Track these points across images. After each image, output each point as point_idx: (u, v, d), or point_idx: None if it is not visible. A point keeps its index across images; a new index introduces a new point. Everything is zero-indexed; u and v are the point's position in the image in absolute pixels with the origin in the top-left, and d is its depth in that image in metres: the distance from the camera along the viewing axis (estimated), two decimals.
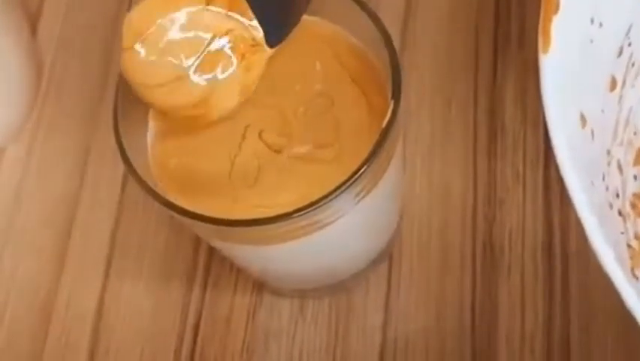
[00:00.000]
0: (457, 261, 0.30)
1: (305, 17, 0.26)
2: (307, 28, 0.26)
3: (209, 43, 0.23)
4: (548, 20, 0.20)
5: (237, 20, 0.23)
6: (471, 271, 0.30)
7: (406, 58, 0.33)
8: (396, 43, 0.25)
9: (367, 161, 0.23)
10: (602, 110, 0.24)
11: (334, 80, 0.25)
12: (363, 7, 0.25)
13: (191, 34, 0.23)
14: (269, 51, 0.24)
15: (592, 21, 0.22)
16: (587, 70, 0.22)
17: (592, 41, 0.22)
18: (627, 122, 0.25)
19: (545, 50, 0.20)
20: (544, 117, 0.30)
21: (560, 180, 0.22)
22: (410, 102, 0.32)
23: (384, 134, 0.24)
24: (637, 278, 0.24)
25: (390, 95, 0.24)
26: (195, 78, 0.23)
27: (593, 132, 0.22)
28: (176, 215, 0.24)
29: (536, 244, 0.30)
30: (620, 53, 0.24)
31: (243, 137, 0.25)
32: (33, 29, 0.35)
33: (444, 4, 0.34)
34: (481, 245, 0.30)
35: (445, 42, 0.33)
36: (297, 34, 0.26)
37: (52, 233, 0.32)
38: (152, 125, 0.26)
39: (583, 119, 0.22)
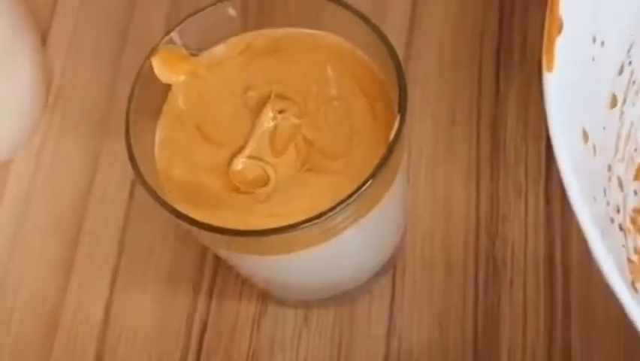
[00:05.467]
0: (460, 273, 0.30)
1: (313, 32, 0.26)
2: (316, 41, 0.26)
3: None
4: (552, 40, 0.21)
5: None
6: (473, 284, 0.30)
7: (409, 72, 0.33)
8: (399, 57, 0.25)
9: (374, 173, 0.24)
10: (604, 127, 0.24)
11: (345, 88, 0.26)
12: (369, 24, 0.26)
13: None
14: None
15: (594, 40, 0.23)
16: (589, 87, 0.23)
17: (594, 60, 0.23)
18: (628, 138, 0.26)
19: (549, 69, 0.21)
20: (545, 131, 0.30)
21: (562, 194, 0.23)
22: (414, 116, 0.33)
23: (391, 147, 0.24)
24: (637, 291, 0.24)
25: (396, 108, 0.25)
26: None
27: (594, 148, 0.23)
28: (184, 224, 0.25)
29: (538, 257, 0.30)
30: (621, 71, 0.25)
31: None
32: (43, 38, 0.36)
33: (447, 19, 0.34)
34: (483, 258, 0.30)
35: (449, 56, 0.34)
36: (306, 46, 0.26)
37: (60, 241, 0.32)
38: (159, 136, 0.26)
39: (585, 135, 0.22)
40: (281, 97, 0.26)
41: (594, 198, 0.22)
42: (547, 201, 0.31)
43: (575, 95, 0.21)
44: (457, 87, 0.33)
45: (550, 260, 0.30)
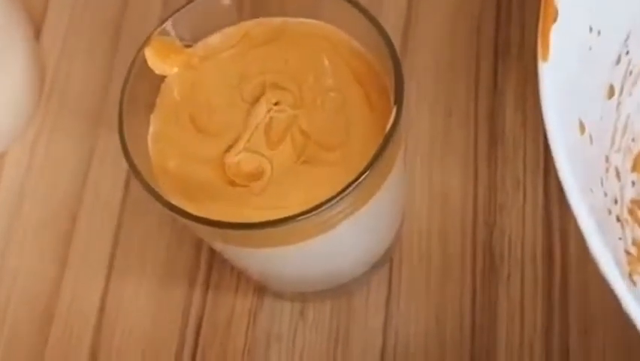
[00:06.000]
0: (457, 266, 0.30)
1: (310, 21, 0.26)
2: (312, 31, 0.26)
3: None
4: (547, 28, 0.21)
5: None
6: (471, 277, 0.30)
7: (406, 64, 0.33)
8: (396, 50, 0.25)
9: (370, 165, 0.24)
10: (600, 117, 0.24)
11: (342, 79, 0.26)
12: (366, 14, 0.25)
13: None
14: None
15: (590, 29, 0.23)
16: (586, 77, 0.23)
17: (590, 49, 0.23)
18: (625, 129, 0.26)
19: (545, 58, 0.20)
20: (544, 124, 0.30)
21: (560, 187, 0.23)
22: (410, 108, 0.33)
23: (388, 138, 0.24)
24: (635, 284, 0.24)
25: (392, 100, 0.25)
26: None
27: (591, 138, 0.23)
28: (179, 217, 0.24)
29: (536, 250, 0.30)
30: (618, 60, 0.25)
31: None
32: (37, 32, 0.35)
33: (445, 11, 0.34)
34: (481, 251, 0.30)
35: (446, 49, 0.34)
36: (303, 36, 0.26)
37: (55, 234, 0.32)
38: (152, 128, 0.26)
39: (582, 125, 0.22)
40: (276, 87, 0.25)
41: (591, 189, 0.22)
42: (546, 193, 0.31)
43: (571, 84, 0.21)
44: (454, 79, 0.33)
45: (548, 252, 0.30)
